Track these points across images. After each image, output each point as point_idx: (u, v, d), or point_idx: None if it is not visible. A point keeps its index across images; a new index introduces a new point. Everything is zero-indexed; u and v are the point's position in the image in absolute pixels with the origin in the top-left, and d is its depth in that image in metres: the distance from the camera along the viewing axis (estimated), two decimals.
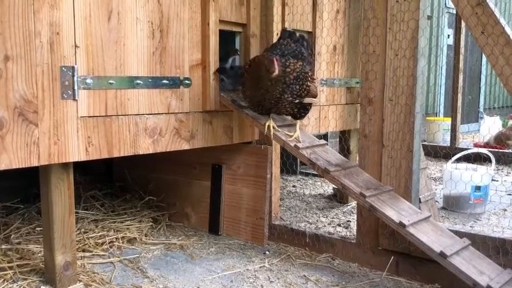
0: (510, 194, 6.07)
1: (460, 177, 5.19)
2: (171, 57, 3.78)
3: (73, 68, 3.20)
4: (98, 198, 5.31)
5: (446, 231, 3.43)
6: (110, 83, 3.42)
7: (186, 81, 3.89)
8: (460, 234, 3.44)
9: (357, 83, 5.51)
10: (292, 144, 3.76)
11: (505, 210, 5.48)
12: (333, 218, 5.11)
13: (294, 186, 6.58)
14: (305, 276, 3.75)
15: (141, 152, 3.65)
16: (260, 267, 3.90)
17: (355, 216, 4.22)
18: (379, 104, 3.80)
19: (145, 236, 4.49)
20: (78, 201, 4.87)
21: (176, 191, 5.02)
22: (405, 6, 3.62)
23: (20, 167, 3.02)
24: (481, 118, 11.09)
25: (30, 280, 3.51)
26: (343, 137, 5.94)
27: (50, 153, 3.13)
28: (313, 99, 3.79)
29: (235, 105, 4.05)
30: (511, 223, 4.89)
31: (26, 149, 3.02)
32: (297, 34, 3.99)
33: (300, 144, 3.78)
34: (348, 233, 4.48)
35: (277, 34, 4.40)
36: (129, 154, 3.59)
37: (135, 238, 4.40)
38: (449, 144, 8.89)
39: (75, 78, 3.21)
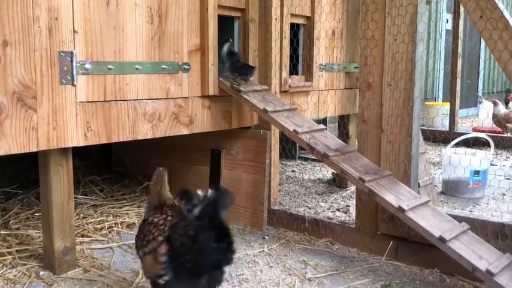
0: (509, 179, 6.08)
1: (459, 161, 5.19)
2: (169, 43, 3.77)
3: (72, 53, 3.19)
4: (97, 183, 5.33)
5: (445, 215, 3.43)
6: (109, 68, 3.41)
7: (185, 66, 3.88)
8: (459, 218, 3.45)
9: (356, 67, 5.50)
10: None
11: (504, 194, 5.49)
12: (332, 202, 5.12)
13: (293, 171, 6.58)
14: (304, 261, 3.76)
15: (140, 137, 3.65)
16: (259, 252, 3.91)
17: (355, 201, 4.23)
18: (378, 89, 3.79)
19: None
20: (77, 186, 4.88)
21: (175, 177, 4.97)
22: None
23: (19, 152, 3.02)
24: (480, 103, 11.07)
25: (29, 265, 3.52)
26: (342, 122, 5.94)
27: (49, 138, 3.13)
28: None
29: (234, 90, 4.04)
30: (510, 207, 4.90)
31: (25, 134, 3.02)
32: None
33: (299, 129, 3.78)
34: (347, 218, 4.49)
35: (276, 19, 4.39)
36: (128, 139, 3.59)
37: (134, 223, 4.41)
38: (448, 129, 8.89)
39: (74, 63, 3.20)
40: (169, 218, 2.73)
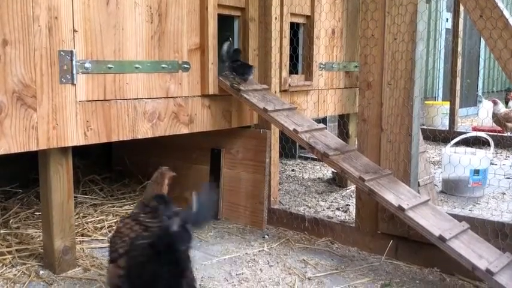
0: (509, 178, 6.08)
1: (459, 161, 5.19)
2: (169, 42, 3.77)
3: (71, 52, 3.19)
4: (97, 182, 5.33)
5: (445, 214, 3.43)
6: (109, 67, 3.41)
7: (185, 66, 3.87)
8: (459, 217, 3.45)
9: (356, 67, 5.49)
10: None
11: (504, 193, 5.48)
12: (332, 202, 5.11)
13: (293, 170, 6.58)
14: (304, 260, 3.76)
15: (140, 136, 3.65)
16: (259, 251, 3.91)
17: (354, 200, 4.23)
18: (378, 88, 3.79)
19: None
20: (77, 185, 4.88)
21: (175, 176, 5.01)
22: None
23: (19, 151, 3.02)
24: (480, 102, 11.07)
25: (29, 265, 3.52)
26: (342, 121, 5.93)
27: (49, 137, 3.13)
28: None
29: (234, 90, 4.04)
30: (510, 207, 4.89)
31: (25, 133, 3.02)
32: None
33: (299, 128, 3.78)
34: (347, 217, 4.49)
35: (276, 18, 4.39)
36: (128, 138, 3.59)
37: None
38: (448, 128, 8.89)
39: (74, 62, 3.20)
40: (135, 227, 2.61)
